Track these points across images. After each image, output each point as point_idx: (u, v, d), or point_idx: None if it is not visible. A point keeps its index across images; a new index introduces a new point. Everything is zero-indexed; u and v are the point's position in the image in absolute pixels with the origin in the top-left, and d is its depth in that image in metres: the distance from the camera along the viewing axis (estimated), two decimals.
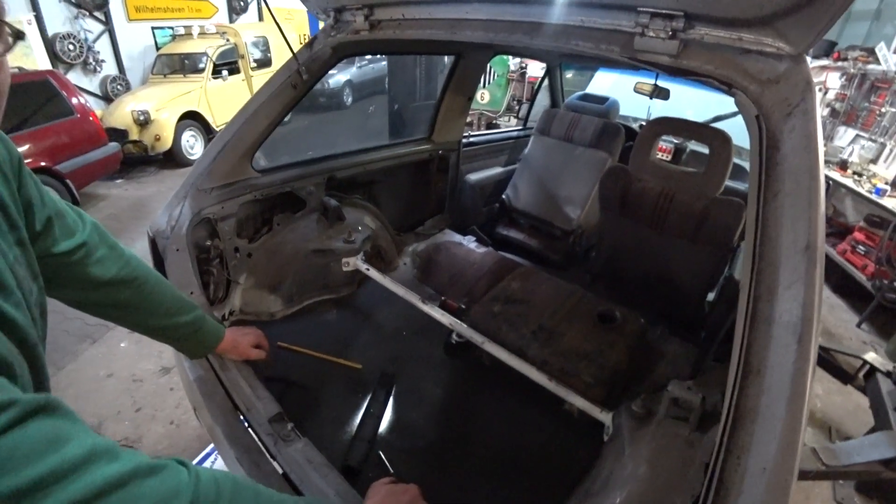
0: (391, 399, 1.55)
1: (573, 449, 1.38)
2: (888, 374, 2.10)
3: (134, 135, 6.41)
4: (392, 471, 1.30)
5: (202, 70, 7.35)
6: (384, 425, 1.46)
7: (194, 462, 1.75)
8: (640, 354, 1.65)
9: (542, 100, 4.05)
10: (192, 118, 7.08)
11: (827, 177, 4.67)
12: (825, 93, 5.67)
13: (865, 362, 2.21)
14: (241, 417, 1.14)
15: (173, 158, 6.82)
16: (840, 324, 3.87)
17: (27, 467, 0.39)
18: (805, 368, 0.51)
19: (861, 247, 4.02)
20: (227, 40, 7.72)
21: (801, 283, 0.57)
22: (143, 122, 6.40)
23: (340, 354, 1.68)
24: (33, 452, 0.40)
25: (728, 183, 1.94)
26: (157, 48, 8.55)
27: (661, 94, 2.96)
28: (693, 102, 3.70)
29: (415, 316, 1.78)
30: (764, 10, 0.73)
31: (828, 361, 2.40)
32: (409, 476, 1.24)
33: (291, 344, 1.68)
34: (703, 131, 1.96)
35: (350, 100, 9.84)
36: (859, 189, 4.26)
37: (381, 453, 1.34)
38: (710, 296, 2.21)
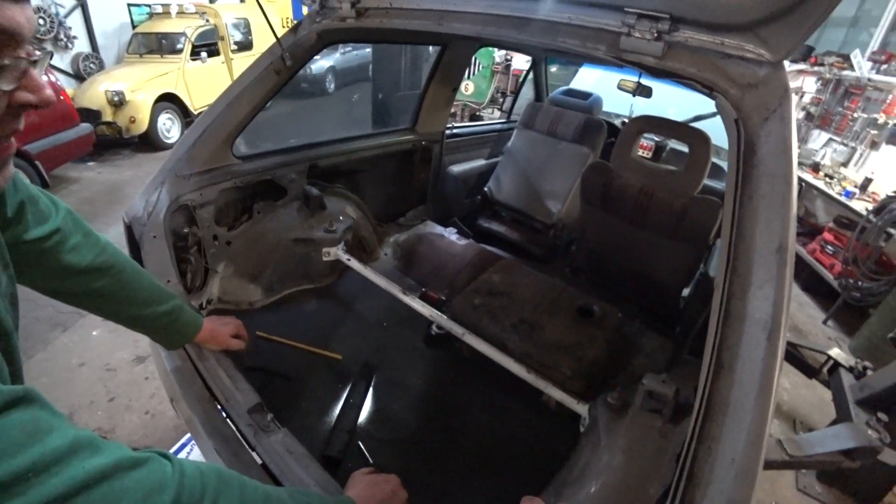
0: (371, 390, 1.56)
1: (551, 439, 1.41)
2: (850, 370, 2.19)
3: (107, 116, 6.20)
4: (371, 461, 1.31)
5: (180, 51, 7.14)
6: (364, 416, 1.46)
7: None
8: (618, 348, 1.69)
9: (527, 93, 4.05)
10: (168, 100, 6.88)
11: (800, 178, 4.81)
12: (801, 96, 5.81)
13: (830, 358, 2.30)
14: (220, 408, 1.13)
15: (149, 142, 6.63)
16: (808, 320, 4.01)
17: (8, 459, 0.38)
18: (773, 364, 0.54)
19: (830, 247, 4.16)
20: (207, 21, 7.51)
21: (772, 283, 0.60)
22: (118, 102, 6.19)
23: (320, 345, 1.68)
24: (14, 444, 0.39)
25: (705, 182, 1.98)
26: (133, 26, 8.25)
27: (643, 91, 3.00)
28: (674, 101, 3.75)
29: (395, 307, 1.78)
30: (747, 17, 0.75)
31: (795, 356, 2.49)
32: (388, 466, 1.25)
33: (271, 334, 1.67)
34: (683, 131, 1.99)
35: (332, 86, 9.70)
36: (830, 191, 4.40)
37: (360, 444, 1.35)
38: (685, 291, 2.27)
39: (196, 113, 7.12)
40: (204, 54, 7.37)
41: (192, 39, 7.20)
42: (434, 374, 1.67)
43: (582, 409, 1.33)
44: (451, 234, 2.44)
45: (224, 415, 1.12)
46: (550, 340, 1.59)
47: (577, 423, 1.33)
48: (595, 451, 1.12)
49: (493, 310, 1.73)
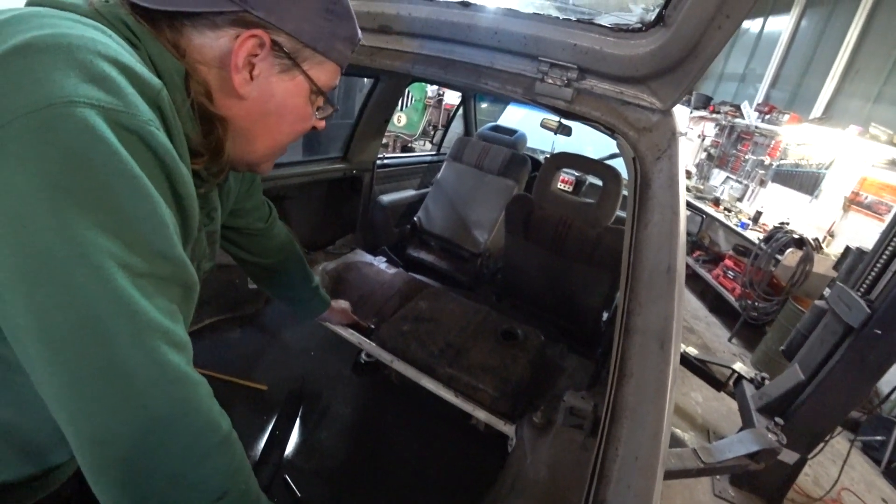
0: (298, 420, 1.52)
1: (481, 461, 1.45)
2: (751, 381, 2.43)
3: None
4: (299, 494, 1.27)
5: None
6: (291, 447, 1.42)
7: None
8: (542, 369, 1.77)
9: (457, 127, 4.22)
10: None
11: (703, 211, 5.37)
12: (703, 139, 6.50)
13: (734, 371, 2.55)
14: None
15: None
16: (715, 338, 4.38)
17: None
18: (667, 370, 0.61)
19: (731, 272, 4.63)
20: None
21: (663, 299, 0.68)
22: None
23: (245, 375, 1.62)
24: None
25: (620, 213, 2.15)
26: None
27: (564, 130, 3.23)
28: (593, 140, 4.06)
29: (323, 335, 1.76)
30: (639, 72, 0.87)
31: (704, 371, 2.72)
32: (317, 498, 1.23)
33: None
34: (596, 167, 2.17)
35: None
36: (728, 223, 4.93)
37: (287, 477, 1.31)
38: (606, 315, 2.42)
39: None
40: None
41: None
42: (363, 402, 1.66)
43: (509, 429, 1.37)
44: (380, 263, 2.45)
45: None
46: (476, 363, 1.63)
47: (505, 443, 1.37)
48: (522, 468, 1.16)
49: (420, 336, 1.75)
